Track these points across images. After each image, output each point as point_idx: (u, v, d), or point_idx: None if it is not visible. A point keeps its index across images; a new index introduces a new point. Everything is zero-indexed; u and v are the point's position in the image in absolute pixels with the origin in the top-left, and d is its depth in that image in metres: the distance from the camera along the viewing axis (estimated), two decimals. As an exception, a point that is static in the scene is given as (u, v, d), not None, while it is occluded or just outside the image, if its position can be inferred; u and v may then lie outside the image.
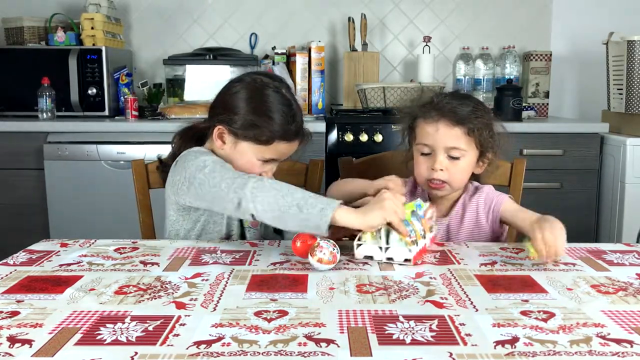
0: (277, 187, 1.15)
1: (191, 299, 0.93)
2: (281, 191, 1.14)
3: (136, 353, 0.74)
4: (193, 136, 1.40)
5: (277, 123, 1.30)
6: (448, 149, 1.31)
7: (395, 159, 1.52)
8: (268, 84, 1.33)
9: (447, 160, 1.32)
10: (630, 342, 0.77)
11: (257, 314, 0.87)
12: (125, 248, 1.23)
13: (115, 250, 1.21)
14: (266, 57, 2.97)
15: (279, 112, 1.30)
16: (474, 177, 1.42)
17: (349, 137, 2.49)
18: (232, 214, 1.23)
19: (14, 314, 0.87)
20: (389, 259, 1.13)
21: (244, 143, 1.31)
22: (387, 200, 1.12)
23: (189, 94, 2.82)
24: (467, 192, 1.41)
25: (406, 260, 1.12)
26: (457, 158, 1.32)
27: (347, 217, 1.11)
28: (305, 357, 0.73)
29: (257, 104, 1.31)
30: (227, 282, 1.01)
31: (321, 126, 2.48)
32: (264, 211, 1.14)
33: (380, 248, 1.13)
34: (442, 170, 1.31)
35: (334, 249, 1.07)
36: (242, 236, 1.42)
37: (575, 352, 0.74)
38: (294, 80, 2.81)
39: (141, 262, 1.13)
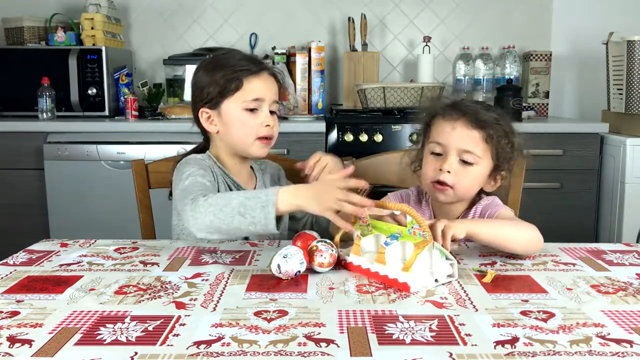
0: (212, 201, 1.11)
1: (191, 299, 0.93)
2: (217, 205, 1.10)
3: (136, 353, 0.74)
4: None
5: (238, 65, 1.32)
6: (461, 152, 1.23)
7: (395, 159, 1.50)
8: (218, 52, 1.41)
9: (457, 164, 1.24)
10: (630, 342, 0.77)
11: (257, 314, 0.87)
12: (125, 248, 1.23)
13: (115, 250, 1.21)
14: (266, 57, 2.96)
15: (234, 57, 1.35)
16: (484, 194, 1.33)
17: (349, 137, 2.49)
18: None
19: (14, 314, 0.87)
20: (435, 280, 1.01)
21: (225, 105, 1.32)
22: (335, 186, 1.06)
23: (189, 94, 2.82)
24: (470, 205, 1.34)
25: (449, 276, 1.02)
26: (469, 164, 1.23)
27: (293, 201, 1.08)
28: (305, 357, 0.73)
29: (214, 66, 1.35)
30: (227, 282, 1.01)
31: (321, 126, 2.48)
32: (210, 232, 1.12)
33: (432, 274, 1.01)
34: (449, 172, 1.23)
35: (332, 250, 1.07)
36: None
37: (575, 352, 0.74)
38: (294, 80, 2.81)
39: (141, 262, 1.13)
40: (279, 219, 1.10)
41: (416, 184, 1.41)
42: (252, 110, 1.32)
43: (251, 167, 1.46)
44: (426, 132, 1.32)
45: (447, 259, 1.03)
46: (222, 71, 1.32)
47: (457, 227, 1.10)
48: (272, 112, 1.35)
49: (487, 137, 1.23)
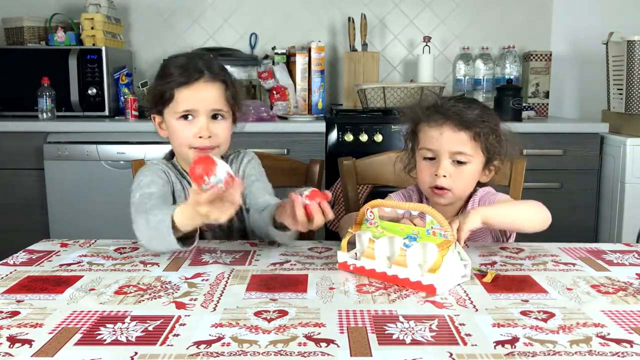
0: (147, 209, 1.15)
1: (191, 299, 0.93)
2: (148, 213, 1.14)
3: (136, 353, 0.74)
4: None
5: (172, 75, 1.29)
6: (453, 154, 1.25)
7: (395, 160, 1.50)
8: (171, 57, 1.39)
9: (451, 166, 1.25)
10: (630, 342, 0.77)
11: (257, 314, 0.87)
12: (125, 248, 1.23)
13: (115, 250, 1.21)
14: (266, 57, 2.97)
15: (171, 67, 1.31)
16: (480, 185, 1.35)
17: (349, 137, 2.49)
18: None
19: (14, 314, 0.87)
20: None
21: (165, 114, 1.32)
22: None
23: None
24: (467, 198, 1.35)
25: (463, 276, 1.02)
26: (462, 163, 1.25)
27: (186, 218, 1.06)
28: (305, 357, 0.73)
29: (157, 74, 1.35)
30: (227, 282, 1.01)
31: (321, 126, 2.48)
32: (142, 237, 1.15)
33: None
34: (445, 176, 1.25)
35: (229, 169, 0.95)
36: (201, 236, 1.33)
37: (575, 352, 0.74)
38: (294, 80, 2.82)
39: (141, 262, 1.13)
40: (191, 236, 1.12)
41: (413, 182, 1.42)
42: (188, 119, 1.29)
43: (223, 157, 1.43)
44: (414, 138, 1.34)
45: (461, 259, 1.02)
46: (159, 81, 1.32)
47: (472, 219, 1.11)
48: (218, 117, 1.30)
49: (475, 135, 1.25)
